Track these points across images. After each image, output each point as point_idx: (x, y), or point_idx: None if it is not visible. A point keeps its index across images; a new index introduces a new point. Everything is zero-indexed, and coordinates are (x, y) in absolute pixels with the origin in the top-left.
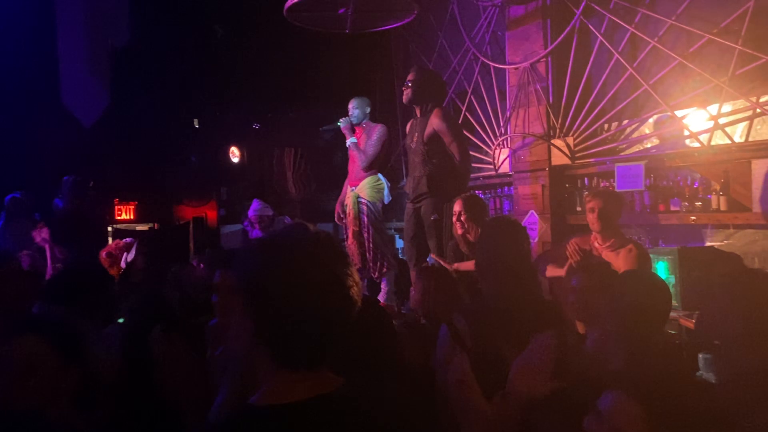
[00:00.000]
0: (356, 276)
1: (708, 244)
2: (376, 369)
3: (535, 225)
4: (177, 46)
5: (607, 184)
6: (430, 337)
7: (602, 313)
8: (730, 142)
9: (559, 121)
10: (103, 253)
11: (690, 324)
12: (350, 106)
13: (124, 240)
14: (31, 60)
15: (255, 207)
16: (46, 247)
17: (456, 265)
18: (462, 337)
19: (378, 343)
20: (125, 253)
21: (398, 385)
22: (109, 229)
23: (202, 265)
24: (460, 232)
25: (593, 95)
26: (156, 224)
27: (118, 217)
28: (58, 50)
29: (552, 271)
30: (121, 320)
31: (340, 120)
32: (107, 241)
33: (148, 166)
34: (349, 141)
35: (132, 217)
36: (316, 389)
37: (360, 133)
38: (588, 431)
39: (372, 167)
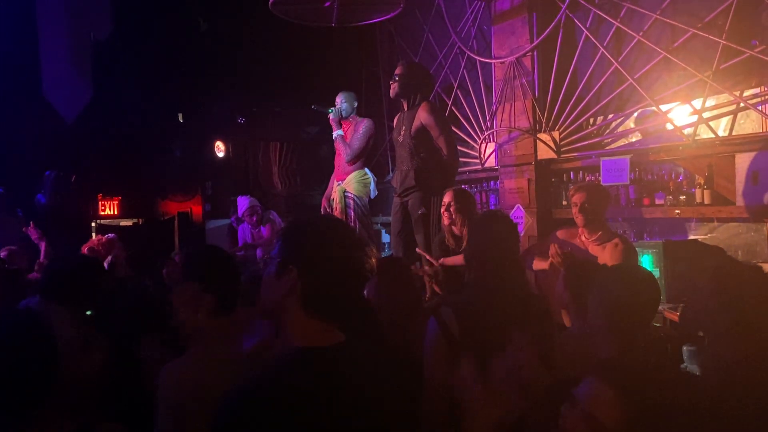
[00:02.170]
0: (371, 249)
1: (692, 237)
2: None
3: (521, 219)
4: (160, 39)
5: (593, 178)
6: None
7: (590, 307)
8: (713, 136)
9: (545, 116)
10: (84, 249)
11: (674, 317)
12: (338, 100)
13: (106, 235)
14: (12, 54)
15: (247, 201)
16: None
17: (442, 260)
18: (450, 329)
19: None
20: (109, 257)
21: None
22: (93, 224)
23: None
24: (446, 222)
25: (578, 89)
26: (140, 219)
27: (102, 213)
28: (39, 44)
29: (538, 264)
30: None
31: (331, 109)
32: (90, 236)
33: (131, 161)
34: (336, 133)
35: (116, 212)
36: (337, 337)
37: (347, 127)
38: (563, 417)
39: (357, 161)
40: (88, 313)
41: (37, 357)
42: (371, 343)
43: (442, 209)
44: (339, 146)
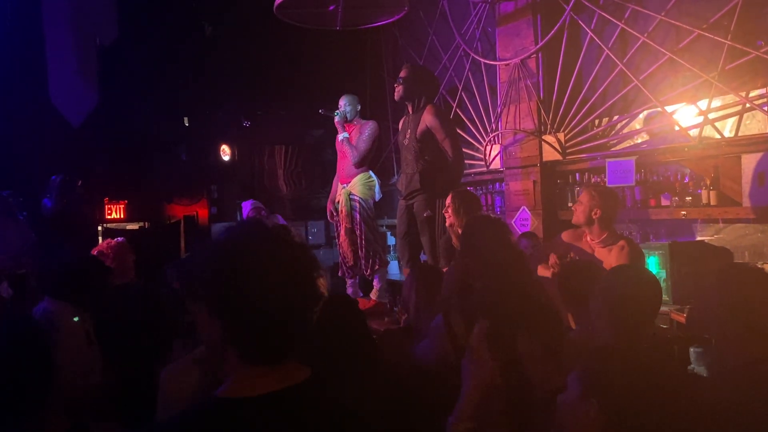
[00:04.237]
0: (320, 268)
1: (698, 238)
2: (346, 366)
3: (527, 221)
4: (166, 44)
5: (599, 179)
6: (414, 336)
7: (592, 307)
8: (719, 137)
9: (550, 117)
10: (94, 252)
11: (681, 318)
12: (341, 102)
13: (115, 239)
14: (19, 59)
15: (250, 204)
16: None
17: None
18: (454, 330)
19: (349, 342)
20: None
21: (372, 382)
22: (99, 228)
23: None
24: (447, 223)
25: (584, 91)
26: (146, 223)
27: (108, 217)
28: (46, 49)
29: (542, 271)
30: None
31: (336, 112)
32: (97, 240)
33: (137, 165)
34: (342, 136)
35: (122, 216)
36: (283, 382)
37: (351, 130)
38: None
39: (363, 163)
40: (75, 319)
41: (32, 364)
42: (341, 384)
43: (444, 210)
44: (345, 149)
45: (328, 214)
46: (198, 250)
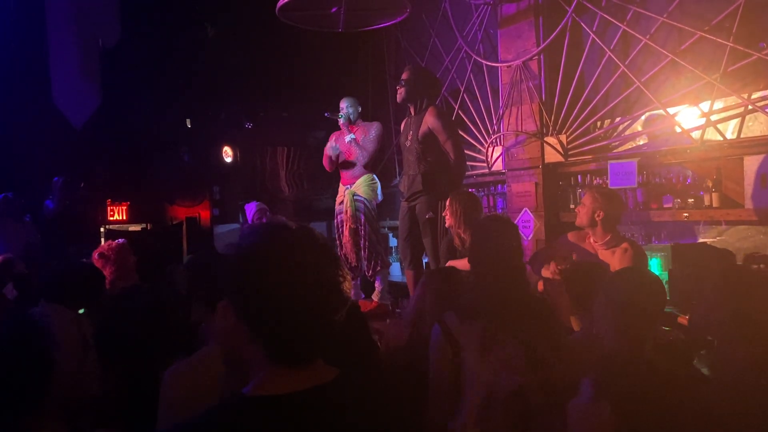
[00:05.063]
0: (344, 270)
1: (701, 240)
2: (347, 367)
3: (529, 223)
4: (168, 45)
5: (601, 181)
6: (417, 339)
7: (595, 310)
8: (722, 139)
9: (552, 119)
10: (95, 254)
11: (684, 320)
12: (342, 105)
13: (116, 240)
14: (21, 61)
15: (254, 205)
16: None
17: (450, 262)
18: (453, 334)
19: (350, 344)
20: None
21: (373, 383)
22: (102, 229)
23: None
24: (447, 224)
25: (586, 93)
26: (149, 225)
27: (111, 218)
28: (49, 51)
29: (546, 273)
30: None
31: (339, 114)
32: (99, 242)
33: (140, 167)
34: (349, 137)
35: (124, 217)
36: (311, 381)
37: (355, 131)
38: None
39: (370, 164)
40: (81, 311)
41: (31, 364)
42: (355, 386)
43: (443, 212)
44: (352, 149)
45: (325, 159)
46: (225, 251)
